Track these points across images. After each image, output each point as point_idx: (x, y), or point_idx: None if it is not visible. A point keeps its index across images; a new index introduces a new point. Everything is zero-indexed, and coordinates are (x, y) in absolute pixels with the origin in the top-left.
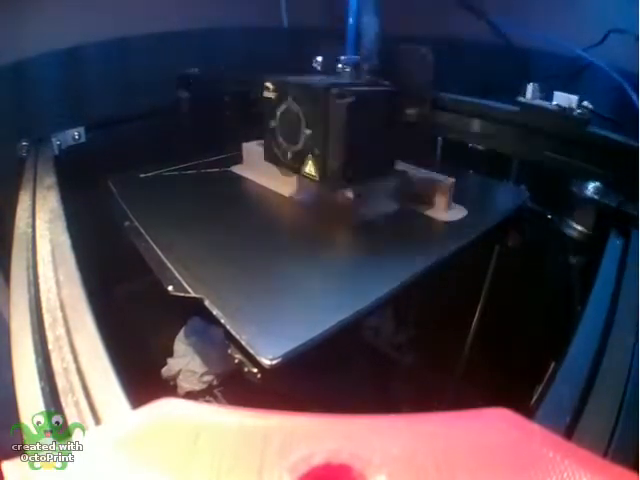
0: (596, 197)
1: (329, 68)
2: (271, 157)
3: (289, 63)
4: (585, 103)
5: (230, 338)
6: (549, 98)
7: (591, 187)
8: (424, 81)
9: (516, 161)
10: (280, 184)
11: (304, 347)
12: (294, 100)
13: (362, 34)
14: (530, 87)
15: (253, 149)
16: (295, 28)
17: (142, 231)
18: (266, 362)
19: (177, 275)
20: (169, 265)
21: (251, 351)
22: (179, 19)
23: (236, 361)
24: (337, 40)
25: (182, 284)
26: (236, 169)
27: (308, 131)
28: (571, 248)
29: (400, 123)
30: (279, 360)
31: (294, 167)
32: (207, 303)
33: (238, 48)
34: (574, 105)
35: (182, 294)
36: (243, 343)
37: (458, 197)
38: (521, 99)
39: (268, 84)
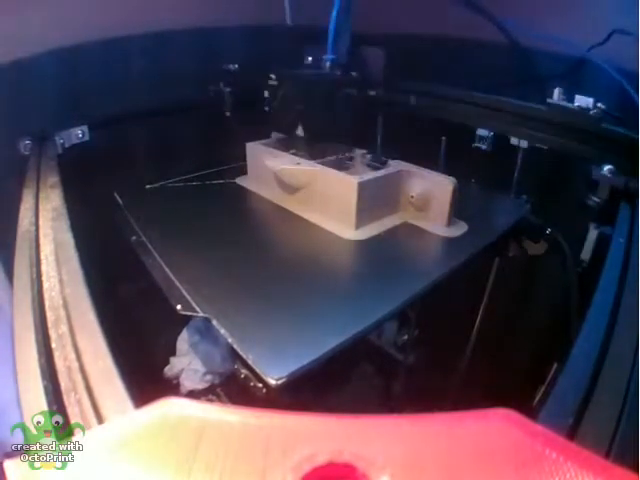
0: (609, 176)
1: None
2: (275, 127)
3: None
4: (599, 104)
5: (237, 355)
6: (570, 99)
7: (606, 169)
8: (376, 71)
9: (520, 159)
10: (282, 198)
11: (308, 366)
12: (293, 85)
13: (338, 38)
14: (556, 91)
15: (257, 149)
16: (298, 26)
17: (149, 247)
18: (272, 382)
19: (185, 294)
20: (177, 284)
21: (258, 370)
22: (180, 18)
23: (242, 376)
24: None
25: (190, 303)
26: (240, 181)
27: (300, 106)
28: (591, 216)
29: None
30: (284, 380)
31: (291, 130)
32: (215, 322)
33: (245, 47)
34: (590, 106)
35: (190, 313)
36: (250, 362)
37: (458, 211)
38: (549, 100)
39: (271, 75)
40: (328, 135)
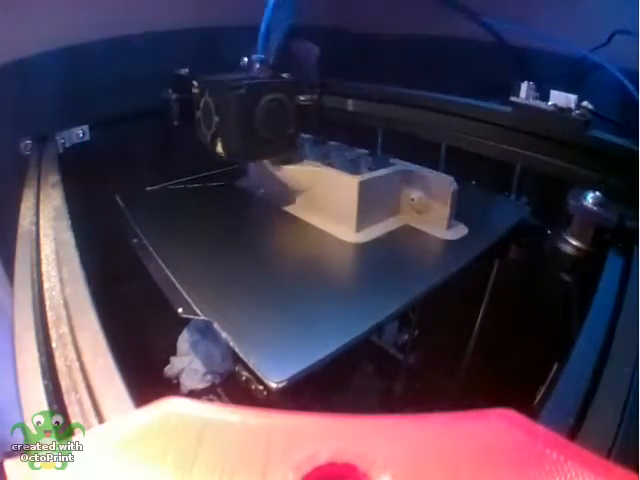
0: (595, 209)
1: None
2: (200, 141)
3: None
4: (585, 103)
5: (237, 358)
6: (546, 97)
7: (590, 197)
8: (311, 71)
9: (519, 165)
10: (283, 200)
11: (309, 369)
12: (209, 94)
13: (270, 36)
14: (524, 86)
15: None
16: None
17: (150, 249)
18: (273, 385)
19: (186, 296)
20: (178, 286)
21: (259, 374)
22: (176, 18)
23: (243, 378)
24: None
25: (191, 306)
26: (241, 182)
27: (217, 118)
28: (566, 266)
29: (295, 107)
30: (285, 383)
31: (212, 148)
32: (216, 325)
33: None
34: (573, 105)
35: (192, 316)
36: (251, 366)
37: (459, 213)
38: (514, 99)
39: (194, 82)
40: (245, 153)
